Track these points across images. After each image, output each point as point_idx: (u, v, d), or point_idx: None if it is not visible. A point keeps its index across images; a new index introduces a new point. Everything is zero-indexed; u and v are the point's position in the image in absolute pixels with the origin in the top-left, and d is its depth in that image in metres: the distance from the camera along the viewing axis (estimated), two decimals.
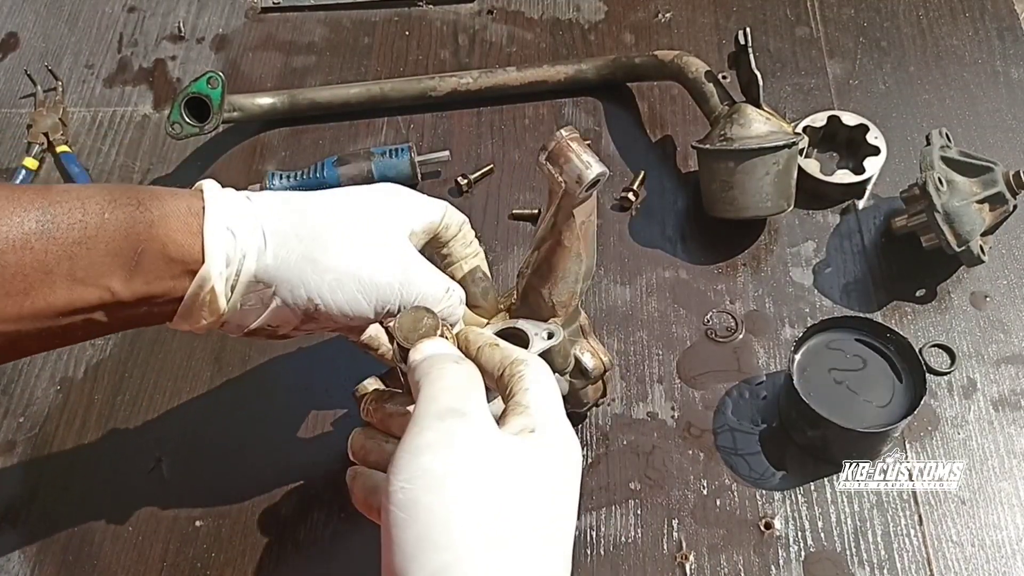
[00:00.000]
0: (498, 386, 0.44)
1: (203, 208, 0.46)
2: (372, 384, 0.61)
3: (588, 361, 0.60)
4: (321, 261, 0.47)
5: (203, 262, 0.45)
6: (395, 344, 0.48)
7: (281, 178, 0.78)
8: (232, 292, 0.47)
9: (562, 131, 0.52)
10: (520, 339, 0.54)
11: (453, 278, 0.55)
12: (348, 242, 0.48)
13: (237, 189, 0.80)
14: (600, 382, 0.63)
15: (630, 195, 0.78)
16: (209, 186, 0.48)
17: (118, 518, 0.65)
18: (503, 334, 0.54)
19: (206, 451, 0.67)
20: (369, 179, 0.78)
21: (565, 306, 0.57)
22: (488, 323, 0.58)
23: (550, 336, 0.53)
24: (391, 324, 0.50)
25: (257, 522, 0.64)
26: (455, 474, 0.37)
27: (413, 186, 0.80)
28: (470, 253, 0.56)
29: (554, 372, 0.57)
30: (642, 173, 0.79)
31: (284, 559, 0.62)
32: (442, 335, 0.46)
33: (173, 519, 0.65)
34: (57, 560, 0.63)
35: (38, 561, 0.64)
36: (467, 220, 0.56)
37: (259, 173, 0.82)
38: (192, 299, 0.46)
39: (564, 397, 0.60)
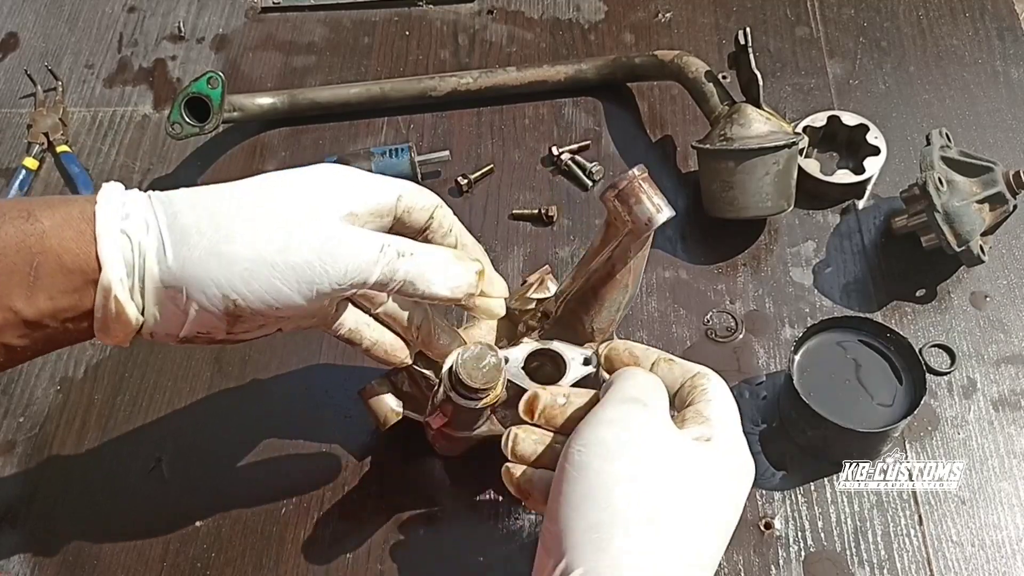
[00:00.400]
0: (676, 400, 0.46)
1: (95, 212, 0.43)
2: (380, 386, 0.61)
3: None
4: (227, 253, 0.43)
5: (100, 270, 0.42)
6: (449, 372, 0.49)
7: None
8: (143, 300, 0.44)
9: (634, 170, 0.51)
10: (556, 363, 0.54)
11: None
12: (255, 227, 0.44)
13: None
14: None
15: None
16: (107, 187, 0.45)
17: (118, 518, 0.65)
18: (539, 355, 0.54)
19: (206, 451, 0.67)
20: None
21: (603, 332, 0.57)
22: (521, 342, 0.58)
23: (587, 362, 0.54)
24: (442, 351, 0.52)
25: (257, 522, 0.64)
26: (626, 449, 0.41)
27: None
28: (451, 244, 0.51)
29: None
30: None
31: (284, 559, 0.62)
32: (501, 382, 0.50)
33: (173, 519, 0.65)
34: (57, 560, 0.63)
35: (38, 561, 0.64)
36: (442, 204, 0.51)
37: (259, 173, 0.82)
38: (102, 311, 0.43)
39: None
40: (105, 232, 0.42)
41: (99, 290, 0.43)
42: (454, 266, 0.49)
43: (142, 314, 0.44)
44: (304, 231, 0.44)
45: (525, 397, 0.47)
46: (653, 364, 0.47)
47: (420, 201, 0.49)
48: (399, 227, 0.49)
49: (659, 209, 0.51)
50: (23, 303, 0.42)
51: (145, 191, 0.47)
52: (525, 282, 0.65)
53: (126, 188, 0.46)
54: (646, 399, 0.43)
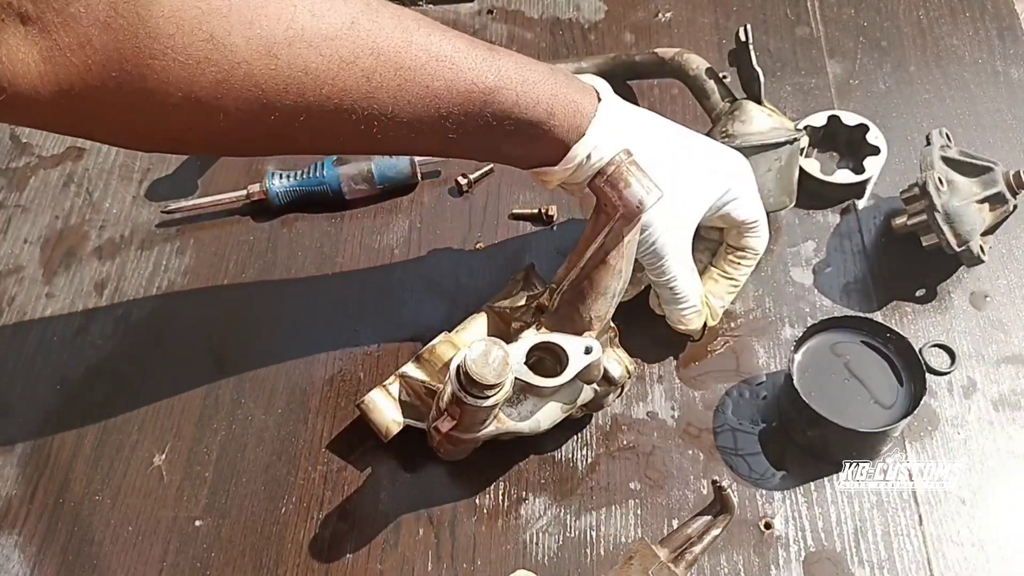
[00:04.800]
0: None
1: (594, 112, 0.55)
2: (377, 398, 0.61)
3: (615, 370, 0.60)
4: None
5: (572, 147, 0.55)
6: (457, 372, 0.49)
7: (281, 177, 0.78)
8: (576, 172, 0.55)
9: (620, 154, 0.52)
10: (557, 355, 0.54)
11: None
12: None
13: (237, 189, 0.81)
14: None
15: None
16: (607, 101, 0.57)
17: (118, 518, 0.65)
18: (539, 348, 0.55)
19: (206, 451, 0.67)
20: (369, 178, 0.78)
21: (601, 320, 0.57)
22: (521, 337, 0.58)
23: (587, 351, 0.53)
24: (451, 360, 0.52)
25: (257, 522, 0.64)
26: None
27: (413, 186, 0.80)
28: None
29: (586, 383, 0.58)
30: None
31: (284, 559, 0.62)
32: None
33: (173, 519, 0.65)
34: (57, 560, 0.63)
35: (38, 561, 0.64)
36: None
37: (259, 172, 0.82)
38: (560, 171, 0.56)
39: (586, 404, 0.61)
40: (598, 130, 0.55)
41: (564, 160, 0.55)
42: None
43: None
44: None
45: None
46: None
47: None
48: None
49: (649, 191, 0.52)
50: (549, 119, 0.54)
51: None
52: (512, 280, 0.65)
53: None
54: None
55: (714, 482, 0.45)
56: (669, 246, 0.59)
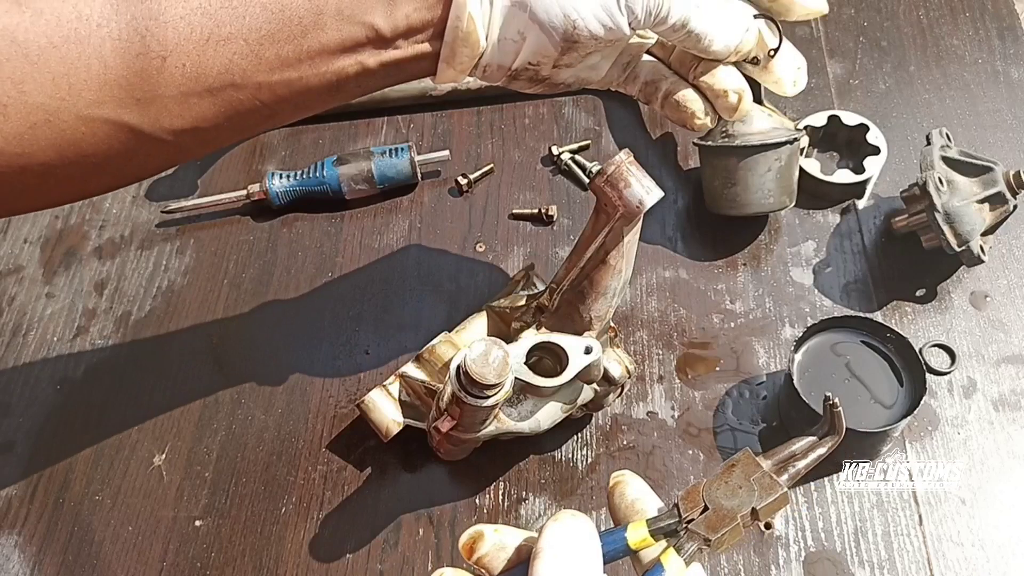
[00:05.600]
0: None
1: None
2: (377, 398, 0.61)
3: (615, 370, 0.60)
4: None
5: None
6: (458, 372, 0.49)
7: (281, 177, 0.78)
8: (489, 21, 0.46)
9: (620, 155, 0.53)
10: (558, 355, 0.54)
11: None
12: None
13: (237, 189, 0.81)
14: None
15: None
16: None
17: (118, 518, 0.65)
18: (539, 348, 0.55)
19: (206, 451, 0.68)
20: (369, 178, 0.78)
21: (601, 320, 0.57)
22: (521, 337, 0.58)
23: (587, 351, 0.54)
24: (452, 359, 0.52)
25: (257, 522, 0.64)
26: None
27: (413, 186, 0.80)
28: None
29: (586, 383, 0.58)
30: None
31: (284, 559, 0.62)
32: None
33: (173, 519, 0.65)
34: (57, 560, 0.64)
35: (38, 561, 0.64)
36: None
37: (259, 173, 0.82)
38: (452, 34, 0.45)
39: (586, 404, 0.61)
40: None
41: (453, 9, 0.44)
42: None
43: (485, 40, 0.46)
44: None
45: (467, 535, 0.41)
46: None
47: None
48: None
49: (649, 191, 0.52)
50: (383, 20, 0.44)
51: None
52: (512, 280, 0.66)
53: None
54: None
55: (826, 399, 0.45)
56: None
